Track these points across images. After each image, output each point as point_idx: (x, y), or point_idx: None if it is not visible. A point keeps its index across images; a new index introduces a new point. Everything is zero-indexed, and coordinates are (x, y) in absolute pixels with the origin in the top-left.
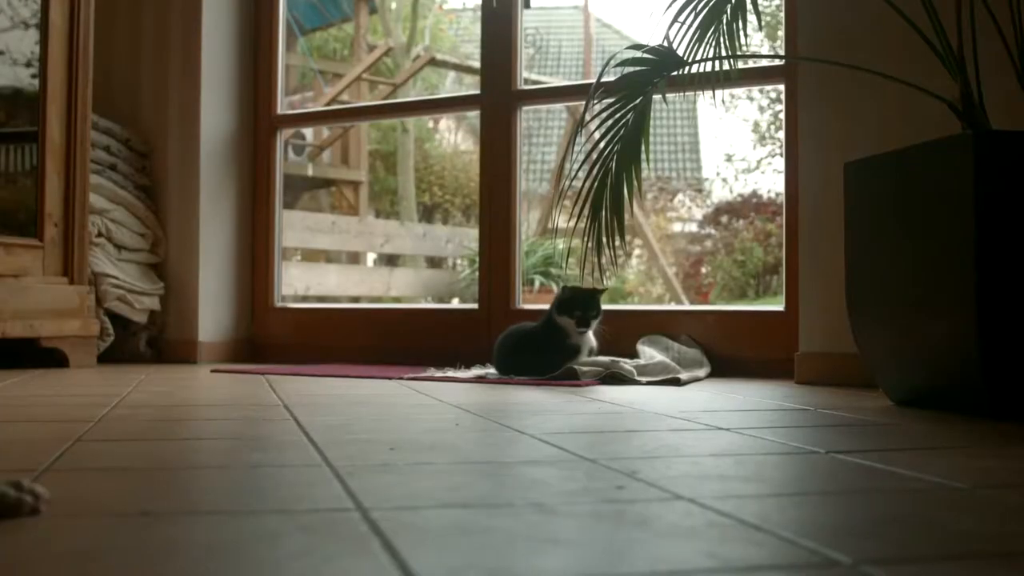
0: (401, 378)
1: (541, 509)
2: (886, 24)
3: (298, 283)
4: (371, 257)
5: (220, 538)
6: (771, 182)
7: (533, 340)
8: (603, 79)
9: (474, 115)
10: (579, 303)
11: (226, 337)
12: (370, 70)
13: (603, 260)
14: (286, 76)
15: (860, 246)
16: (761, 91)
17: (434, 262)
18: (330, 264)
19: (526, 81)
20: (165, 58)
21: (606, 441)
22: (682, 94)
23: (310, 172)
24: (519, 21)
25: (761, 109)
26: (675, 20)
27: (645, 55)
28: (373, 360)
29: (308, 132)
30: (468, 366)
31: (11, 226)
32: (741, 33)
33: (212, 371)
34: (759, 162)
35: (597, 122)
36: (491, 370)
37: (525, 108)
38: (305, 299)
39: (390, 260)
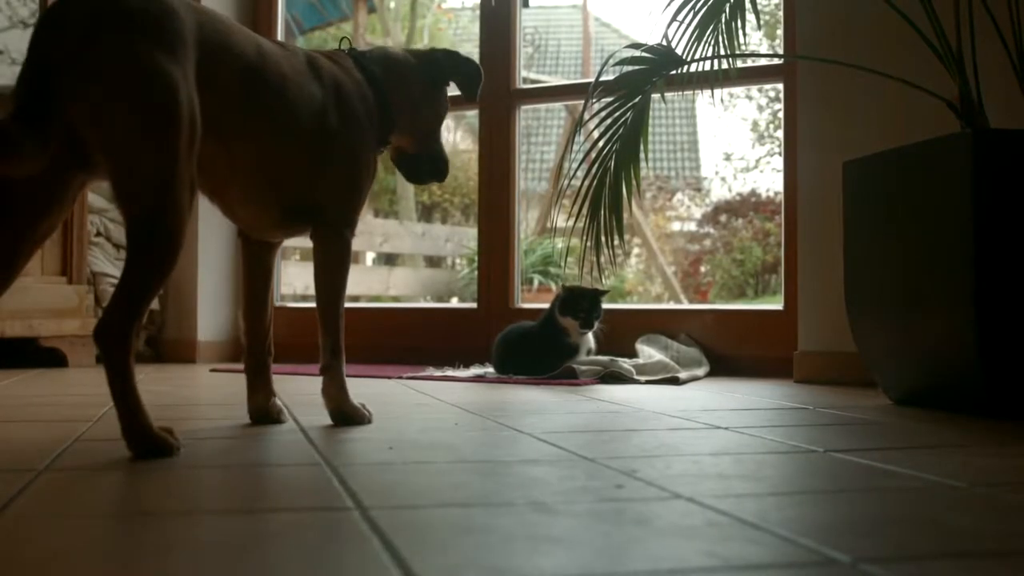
0: (400, 377)
1: (540, 508)
2: (885, 23)
3: (297, 282)
4: (370, 256)
5: (219, 537)
6: (770, 181)
7: (532, 339)
8: (602, 78)
9: (473, 114)
10: (583, 304)
11: (225, 337)
12: None
13: (602, 259)
14: None
15: (859, 245)
16: (760, 90)
17: (433, 261)
18: None
19: (525, 80)
20: None
21: (605, 440)
22: (681, 93)
23: None
24: (518, 20)
25: (760, 108)
26: (674, 19)
27: (644, 54)
28: (372, 359)
29: None
30: (467, 365)
31: None
32: (740, 32)
33: (211, 370)
34: (758, 161)
35: (596, 121)
36: (490, 369)
37: (524, 107)
38: (304, 298)
39: (389, 259)
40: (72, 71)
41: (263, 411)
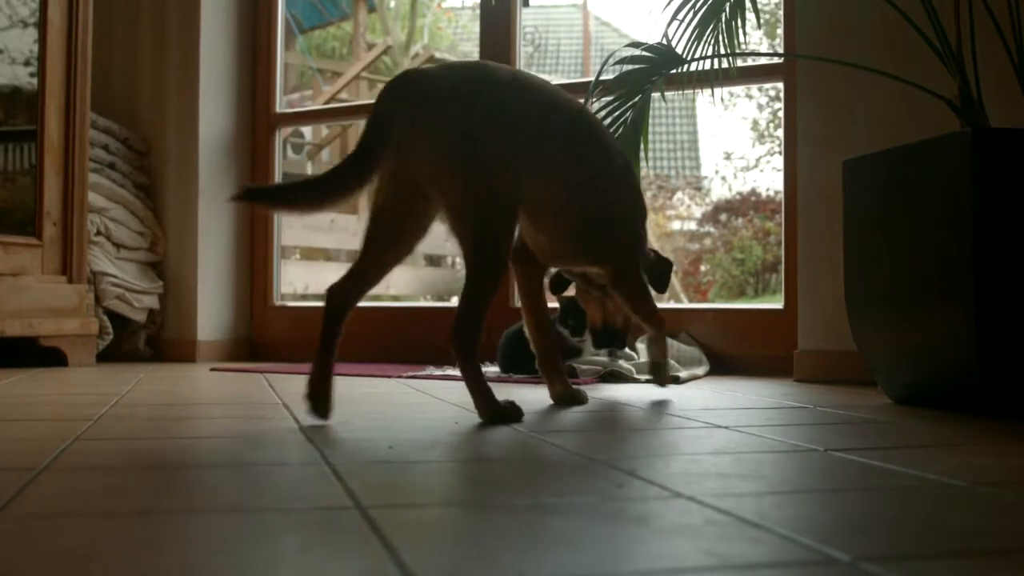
0: (400, 376)
1: (540, 507)
2: (885, 22)
3: (297, 282)
4: None
5: (219, 537)
6: (770, 180)
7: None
8: (602, 77)
9: None
10: (563, 314)
11: (225, 336)
12: (369, 68)
13: None
14: (285, 74)
15: (859, 244)
16: (760, 89)
17: (433, 260)
18: (329, 262)
19: None
20: (164, 56)
21: (605, 439)
22: (681, 92)
23: (309, 170)
24: (518, 19)
25: (760, 107)
26: (674, 18)
27: (644, 53)
28: (372, 359)
29: (307, 130)
30: None
31: (10, 225)
32: (740, 31)
33: (211, 370)
34: (758, 160)
35: None
36: (490, 368)
37: None
38: (304, 298)
39: None
40: (407, 130)
41: (567, 396)
